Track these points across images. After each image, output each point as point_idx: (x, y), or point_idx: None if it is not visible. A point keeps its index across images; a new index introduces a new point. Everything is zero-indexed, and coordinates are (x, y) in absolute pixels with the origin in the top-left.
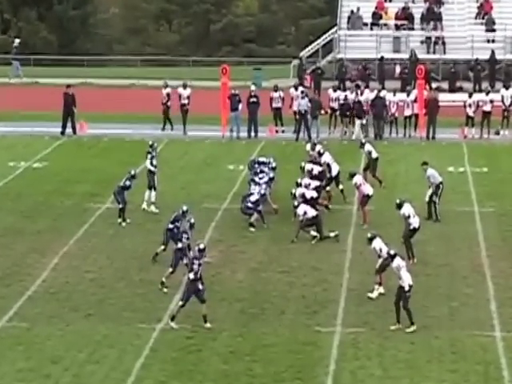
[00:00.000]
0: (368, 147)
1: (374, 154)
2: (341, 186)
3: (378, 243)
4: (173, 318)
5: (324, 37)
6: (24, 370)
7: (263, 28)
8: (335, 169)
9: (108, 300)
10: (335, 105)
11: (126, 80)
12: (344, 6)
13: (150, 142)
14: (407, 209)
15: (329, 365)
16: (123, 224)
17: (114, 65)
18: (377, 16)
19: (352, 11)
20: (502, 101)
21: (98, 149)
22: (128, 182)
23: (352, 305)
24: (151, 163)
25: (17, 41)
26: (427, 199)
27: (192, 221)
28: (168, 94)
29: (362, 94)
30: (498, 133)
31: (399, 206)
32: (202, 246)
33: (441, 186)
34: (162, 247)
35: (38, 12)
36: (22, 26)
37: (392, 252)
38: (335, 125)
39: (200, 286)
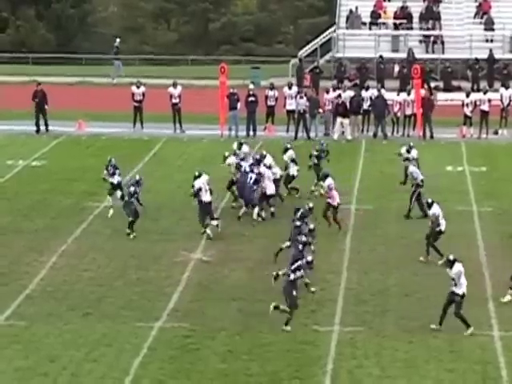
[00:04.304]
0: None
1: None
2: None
3: None
4: (287, 323)
5: (322, 36)
6: (22, 369)
7: (262, 27)
8: (294, 169)
9: (106, 299)
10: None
11: (125, 79)
12: (343, 5)
13: (137, 177)
14: (437, 209)
15: (327, 364)
16: (131, 236)
17: (112, 64)
18: (375, 15)
19: (351, 10)
20: (501, 100)
21: (96, 147)
22: (132, 188)
23: (350, 304)
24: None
25: (117, 40)
26: (413, 199)
27: (311, 226)
28: (143, 94)
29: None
30: (496, 132)
31: (429, 206)
32: (309, 259)
33: (421, 183)
34: (288, 243)
35: (37, 10)
36: (20, 24)
37: (451, 257)
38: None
39: (294, 292)
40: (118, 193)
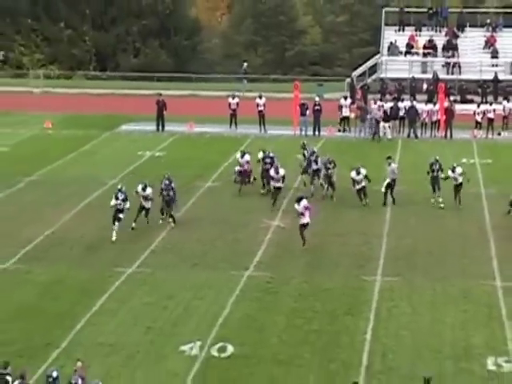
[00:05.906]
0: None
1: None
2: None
3: None
4: None
5: (370, 61)
6: (148, 304)
7: (325, 54)
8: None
9: (208, 254)
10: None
11: (224, 92)
12: (385, 38)
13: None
14: None
15: (372, 304)
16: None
17: (215, 81)
18: (409, 46)
19: (391, 42)
20: (504, 110)
21: (202, 142)
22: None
23: (389, 260)
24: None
25: (245, 64)
26: (383, 190)
27: None
28: (237, 103)
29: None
30: (499, 134)
31: None
32: None
33: (393, 183)
34: None
35: (160, 42)
36: (148, 52)
37: None
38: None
39: None
40: (121, 215)
